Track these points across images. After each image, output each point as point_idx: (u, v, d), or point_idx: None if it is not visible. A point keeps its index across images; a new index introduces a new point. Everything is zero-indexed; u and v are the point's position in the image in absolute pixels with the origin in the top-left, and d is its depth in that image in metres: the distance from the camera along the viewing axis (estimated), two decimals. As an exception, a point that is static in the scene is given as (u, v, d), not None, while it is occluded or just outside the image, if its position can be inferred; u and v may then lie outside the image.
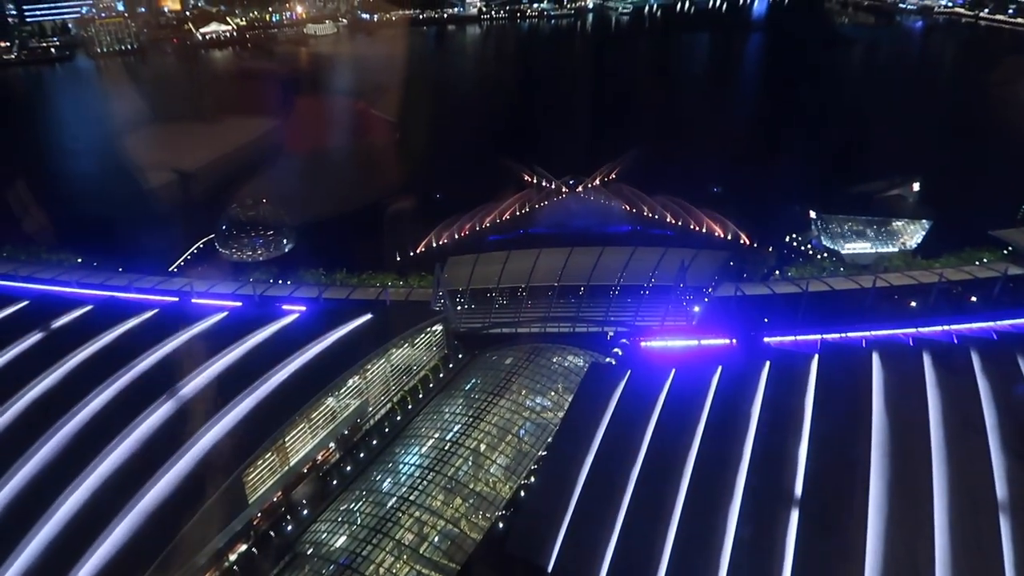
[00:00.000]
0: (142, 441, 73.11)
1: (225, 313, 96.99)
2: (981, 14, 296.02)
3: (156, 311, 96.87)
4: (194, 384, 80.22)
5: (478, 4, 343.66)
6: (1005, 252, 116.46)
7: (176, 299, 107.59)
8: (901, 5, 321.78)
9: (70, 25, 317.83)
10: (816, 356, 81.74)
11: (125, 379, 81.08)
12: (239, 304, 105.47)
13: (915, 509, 62.88)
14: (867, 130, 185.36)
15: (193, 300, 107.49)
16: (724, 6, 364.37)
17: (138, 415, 74.89)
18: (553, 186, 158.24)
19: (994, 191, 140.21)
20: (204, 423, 74.38)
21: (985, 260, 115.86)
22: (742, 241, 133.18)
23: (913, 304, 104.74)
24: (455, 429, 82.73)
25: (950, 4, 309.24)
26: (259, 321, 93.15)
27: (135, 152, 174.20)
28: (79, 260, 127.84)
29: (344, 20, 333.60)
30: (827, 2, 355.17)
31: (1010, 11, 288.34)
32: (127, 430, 73.38)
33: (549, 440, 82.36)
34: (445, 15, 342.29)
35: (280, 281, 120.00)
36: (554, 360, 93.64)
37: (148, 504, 66.95)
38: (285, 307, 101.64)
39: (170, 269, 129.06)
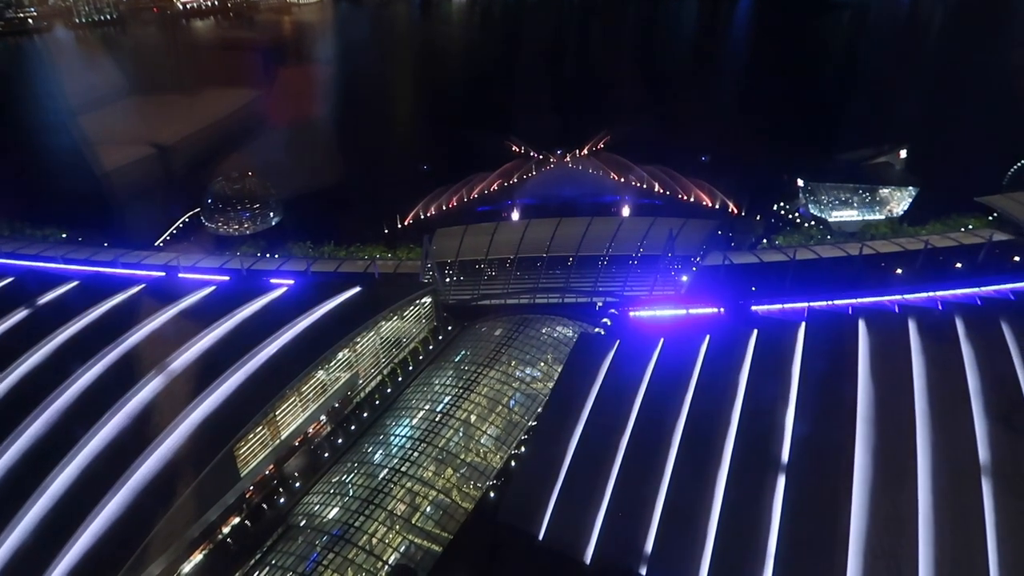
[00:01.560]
0: (133, 416, 73.06)
1: (213, 288, 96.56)
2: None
3: (143, 286, 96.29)
4: (184, 359, 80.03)
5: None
6: (990, 218, 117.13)
7: (163, 274, 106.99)
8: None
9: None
10: (803, 324, 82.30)
11: (114, 355, 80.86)
12: (227, 278, 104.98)
13: (900, 474, 63.86)
14: (855, 96, 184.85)
15: (180, 275, 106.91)
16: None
17: (128, 390, 74.76)
18: (541, 157, 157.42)
19: (980, 157, 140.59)
20: (195, 398, 74.39)
21: (971, 226, 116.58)
22: (730, 210, 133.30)
23: (899, 271, 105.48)
24: (445, 400, 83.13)
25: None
26: (247, 295, 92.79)
27: (114, 125, 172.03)
28: (64, 236, 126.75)
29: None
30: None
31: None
32: (117, 405, 73.31)
33: (539, 410, 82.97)
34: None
35: (268, 255, 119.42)
36: (543, 331, 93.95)
37: (140, 479, 67.12)
38: (273, 281, 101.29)
39: (156, 244, 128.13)
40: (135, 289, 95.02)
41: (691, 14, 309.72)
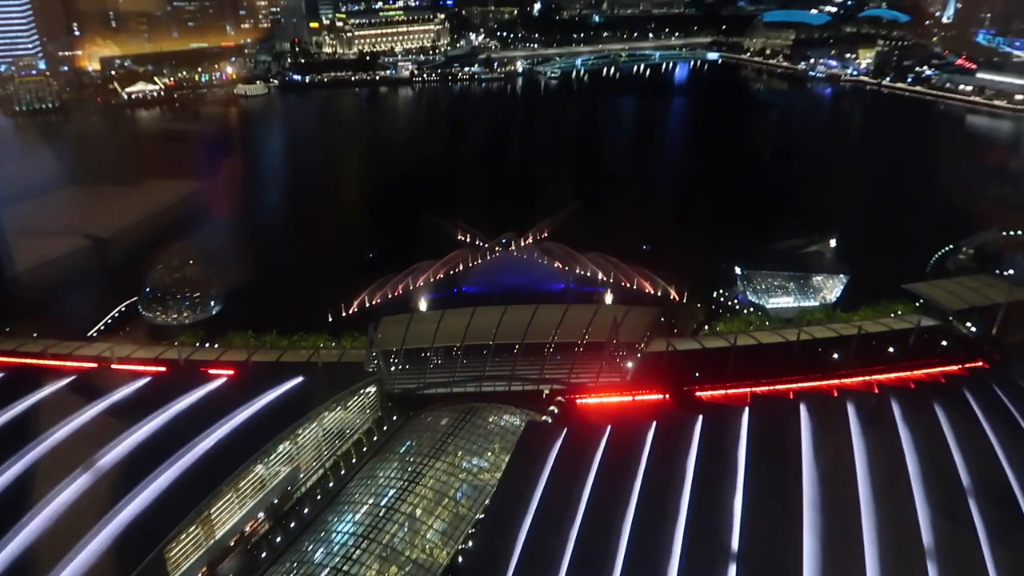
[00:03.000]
0: (55, 517, 68.83)
1: (147, 379, 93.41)
2: (883, 82, 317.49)
3: (73, 378, 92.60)
4: (113, 455, 76.39)
5: (410, 67, 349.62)
6: (917, 304, 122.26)
7: (95, 366, 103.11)
8: (811, 73, 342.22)
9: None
10: (747, 409, 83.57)
11: (38, 451, 76.78)
12: (163, 369, 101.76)
13: (847, 560, 64.08)
14: (785, 188, 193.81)
15: (113, 366, 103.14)
16: (647, 72, 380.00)
17: (53, 489, 70.80)
18: (486, 245, 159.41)
19: (903, 246, 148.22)
20: (124, 496, 70.67)
21: (899, 312, 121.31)
22: (671, 297, 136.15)
23: (836, 356, 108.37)
24: (390, 494, 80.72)
25: (855, 73, 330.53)
26: (184, 386, 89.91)
27: (50, 216, 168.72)
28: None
29: (275, 81, 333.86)
30: (743, 69, 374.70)
31: (908, 79, 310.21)
32: (40, 504, 69.22)
33: (487, 502, 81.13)
34: (378, 77, 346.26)
35: (207, 344, 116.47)
36: (490, 420, 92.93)
37: (60, 586, 62.75)
38: (212, 371, 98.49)
39: (89, 334, 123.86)
40: (64, 381, 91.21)
41: (629, 112, 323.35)
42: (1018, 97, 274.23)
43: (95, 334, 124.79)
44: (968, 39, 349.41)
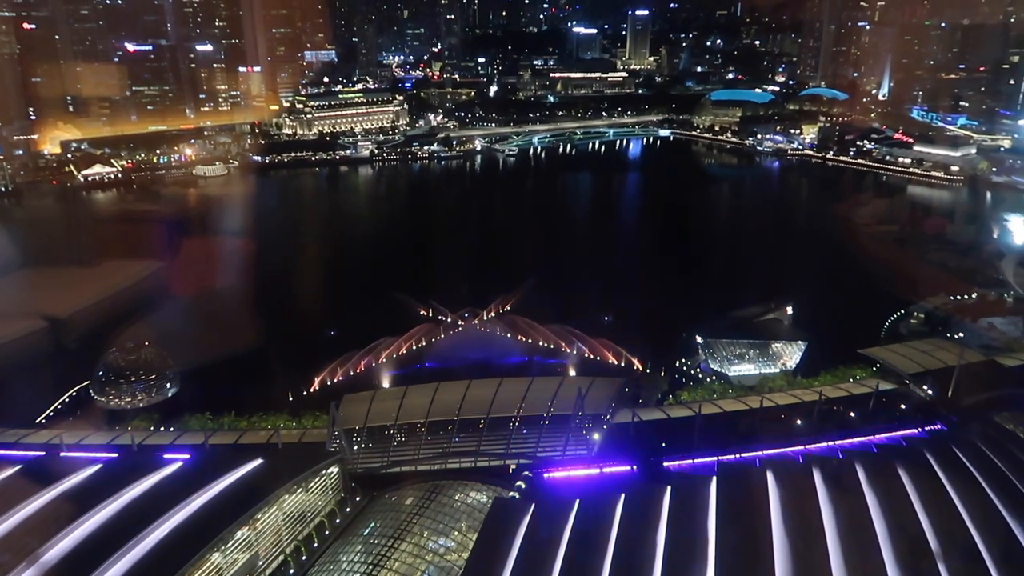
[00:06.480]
0: (-7, 619, 64.89)
1: (98, 466, 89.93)
2: (827, 156, 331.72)
3: (18, 467, 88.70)
4: (59, 548, 72.74)
5: (370, 146, 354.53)
6: (874, 369, 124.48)
7: (42, 453, 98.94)
8: (759, 148, 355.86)
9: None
10: (714, 478, 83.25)
11: (-23, 548, 72.72)
12: (115, 455, 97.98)
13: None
14: (740, 258, 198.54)
15: (62, 454, 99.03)
16: (602, 148, 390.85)
17: (-10, 589, 66.86)
18: (449, 319, 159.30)
19: (856, 312, 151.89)
20: (69, 593, 66.99)
21: (858, 377, 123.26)
22: (635, 367, 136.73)
23: (799, 421, 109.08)
24: (353, 579, 77.79)
25: (800, 147, 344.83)
26: (136, 473, 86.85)
27: (5, 298, 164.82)
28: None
29: (235, 162, 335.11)
30: (694, 145, 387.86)
31: (851, 153, 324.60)
32: (-24, 607, 65.14)
33: (454, 584, 78.66)
34: (338, 156, 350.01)
35: (162, 428, 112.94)
36: (456, 497, 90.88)
37: None
38: (166, 456, 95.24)
39: (37, 421, 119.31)
40: (9, 471, 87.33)
41: (586, 186, 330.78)
42: (953, 168, 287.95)
43: (44, 420, 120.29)
44: (903, 114, 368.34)
